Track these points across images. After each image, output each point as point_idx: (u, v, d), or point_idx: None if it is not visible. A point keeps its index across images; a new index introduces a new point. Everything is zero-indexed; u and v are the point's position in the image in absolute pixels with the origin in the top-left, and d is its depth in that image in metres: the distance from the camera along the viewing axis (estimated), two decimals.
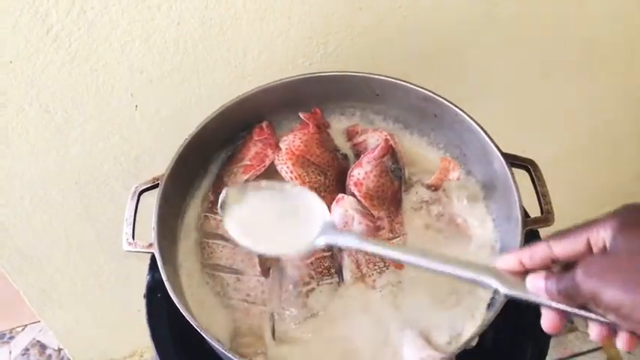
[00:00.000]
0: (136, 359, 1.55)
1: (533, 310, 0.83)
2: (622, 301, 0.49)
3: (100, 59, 0.88)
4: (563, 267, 0.57)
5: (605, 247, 0.53)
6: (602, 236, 0.53)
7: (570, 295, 0.53)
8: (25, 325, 1.74)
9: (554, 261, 0.57)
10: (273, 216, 0.71)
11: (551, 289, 0.54)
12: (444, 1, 0.98)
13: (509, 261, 0.58)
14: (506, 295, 0.57)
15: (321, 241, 0.66)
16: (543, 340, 0.84)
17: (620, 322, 0.52)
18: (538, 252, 0.57)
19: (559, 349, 1.68)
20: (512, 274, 0.58)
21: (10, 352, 1.70)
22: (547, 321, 0.56)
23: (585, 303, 0.52)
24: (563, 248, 0.56)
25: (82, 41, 0.86)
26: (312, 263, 0.77)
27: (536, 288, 0.55)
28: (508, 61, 1.12)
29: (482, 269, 0.59)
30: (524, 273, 0.57)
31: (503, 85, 1.16)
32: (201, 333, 0.67)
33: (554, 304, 0.55)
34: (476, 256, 0.80)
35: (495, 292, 0.58)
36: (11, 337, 1.73)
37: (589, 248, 0.54)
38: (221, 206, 0.71)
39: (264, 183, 0.74)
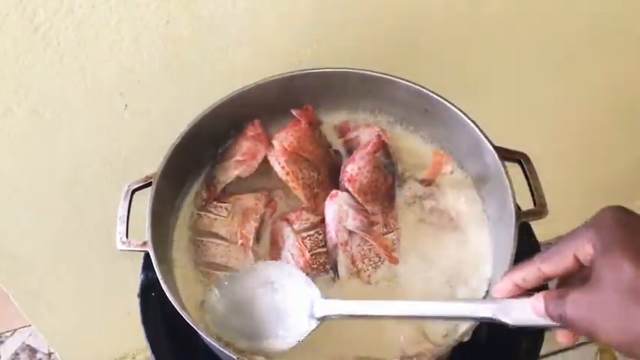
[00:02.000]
0: None
1: None
2: (618, 341, 0.50)
3: (88, 58, 0.88)
4: (560, 281, 0.58)
5: (592, 260, 0.52)
6: (587, 251, 0.53)
7: (568, 325, 0.53)
8: (15, 330, 1.72)
9: (548, 279, 0.57)
10: (259, 309, 0.70)
11: (553, 312, 0.54)
12: None
13: (505, 287, 0.59)
14: (513, 326, 0.58)
15: (314, 323, 0.66)
16: (537, 334, 0.84)
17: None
18: (529, 273, 0.57)
19: (551, 343, 1.69)
20: (512, 298, 0.58)
21: (0, 357, 1.68)
22: (560, 335, 0.57)
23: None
24: (552, 268, 0.56)
25: (70, 40, 0.85)
26: (308, 260, 0.77)
27: (539, 311, 0.56)
28: (499, 56, 1.12)
29: (483, 306, 0.60)
30: (523, 294, 0.58)
31: (494, 79, 1.16)
32: (198, 331, 0.67)
33: (559, 325, 0.55)
34: (470, 249, 0.81)
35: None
36: (0, 342, 1.71)
37: (578, 263, 0.54)
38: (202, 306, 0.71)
39: (232, 274, 0.74)
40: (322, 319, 0.67)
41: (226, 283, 0.73)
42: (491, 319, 0.59)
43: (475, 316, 0.60)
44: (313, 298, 0.68)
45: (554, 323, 0.55)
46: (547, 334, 0.87)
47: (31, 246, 1.12)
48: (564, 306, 0.53)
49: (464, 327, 0.72)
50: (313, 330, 0.67)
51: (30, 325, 1.37)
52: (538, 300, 0.56)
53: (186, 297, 0.76)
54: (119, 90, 0.93)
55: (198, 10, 0.87)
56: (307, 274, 0.77)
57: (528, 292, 0.59)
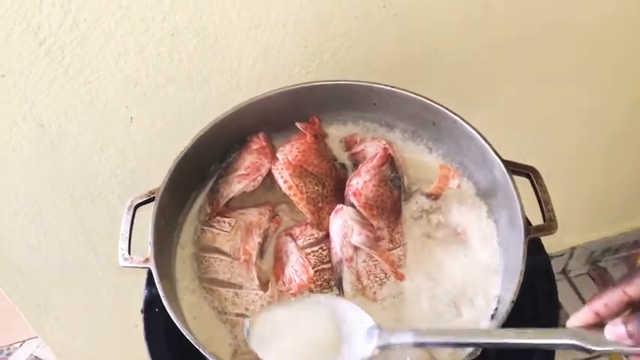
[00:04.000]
0: None
1: (537, 319, 0.83)
2: None
3: (93, 72, 0.88)
4: (633, 309, 0.56)
5: None
6: None
7: None
8: (23, 341, 1.72)
9: (630, 304, 0.56)
10: (309, 339, 0.68)
11: (634, 331, 0.53)
12: (439, 9, 0.97)
13: (583, 316, 0.57)
14: (592, 351, 0.56)
15: (375, 351, 0.64)
16: (549, 351, 0.83)
17: None
18: (613, 298, 0.56)
19: (564, 356, 1.66)
20: (587, 328, 0.57)
21: None
22: None
23: None
24: (638, 289, 0.55)
25: (75, 54, 0.85)
26: (312, 277, 0.76)
27: (618, 336, 0.54)
28: (506, 68, 1.11)
29: (560, 333, 0.58)
30: (598, 324, 0.57)
31: (501, 92, 1.15)
32: (200, 350, 0.66)
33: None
34: (477, 266, 0.79)
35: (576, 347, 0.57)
36: (9, 354, 1.71)
37: None
38: (247, 333, 0.68)
39: (285, 304, 0.72)
40: (381, 349, 0.65)
41: (274, 314, 0.70)
42: (574, 345, 0.57)
43: (557, 343, 0.59)
44: (369, 327, 0.66)
45: (633, 345, 0.54)
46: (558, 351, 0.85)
47: (37, 259, 1.12)
48: None
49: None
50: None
51: (38, 337, 1.37)
52: (615, 325, 0.54)
53: (189, 313, 0.75)
54: (125, 103, 0.93)
55: (203, 22, 0.86)
56: (311, 291, 0.76)
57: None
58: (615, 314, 0.56)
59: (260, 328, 0.68)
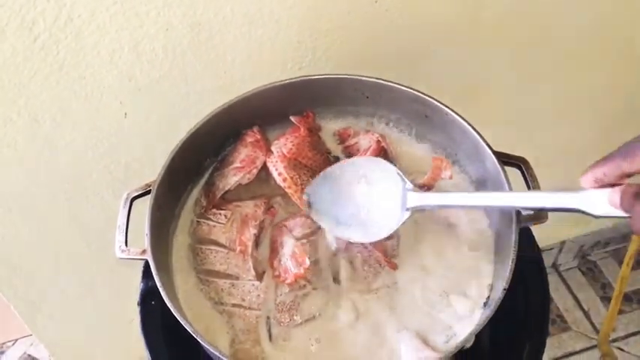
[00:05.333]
0: None
1: (528, 309, 0.84)
2: None
3: (88, 67, 0.88)
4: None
5: None
6: None
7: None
8: (16, 340, 1.72)
9: (628, 176, 0.58)
10: (356, 200, 0.76)
11: (626, 206, 0.57)
12: (430, 4, 0.99)
13: (588, 179, 0.60)
14: (595, 216, 0.61)
15: (407, 214, 0.72)
16: (540, 339, 0.84)
17: None
18: (610, 169, 0.58)
19: (554, 349, 1.69)
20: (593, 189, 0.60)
21: None
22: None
23: None
24: (631, 166, 0.57)
25: (69, 49, 0.85)
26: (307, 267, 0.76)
27: (614, 203, 0.58)
28: (498, 61, 1.12)
29: (568, 196, 0.62)
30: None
31: (494, 84, 1.17)
32: (198, 339, 0.66)
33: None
34: (470, 255, 0.81)
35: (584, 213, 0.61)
36: (2, 352, 1.70)
37: None
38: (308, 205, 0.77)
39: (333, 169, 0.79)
40: (413, 210, 0.72)
41: (327, 176, 0.79)
42: (576, 209, 0.61)
43: (561, 207, 0.63)
44: (405, 190, 0.73)
45: (626, 215, 0.58)
46: (549, 340, 0.87)
47: (31, 256, 1.12)
48: (636, 204, 0.55)
49: (465, 333, 0.72)
50: (406, 219, 0.72)
51: (31, 335, 1.37)
52: (615, 192, 0.58)
53: (186, 304, 0.76)
54: (119, 98, 0.94)
55: (197, 17, 0.87)
56: (307, 281, 0.77)
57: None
58: (614, 182, 0.59)
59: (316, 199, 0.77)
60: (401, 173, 0.74)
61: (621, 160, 0.58)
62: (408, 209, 0.72)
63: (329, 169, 0.79)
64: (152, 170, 0.79)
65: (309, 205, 0.78)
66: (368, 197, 0.76)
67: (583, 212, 0.61)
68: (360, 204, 0.76)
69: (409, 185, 0.73)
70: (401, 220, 0.73)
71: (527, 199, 0.66)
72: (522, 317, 0.84)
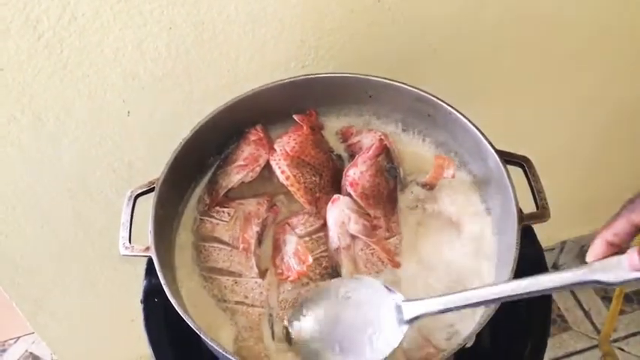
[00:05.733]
0: None
1: (529, 308, 0.85)
2: None
3: (91, 65, 0.88)
4: None
5: None
6: None
7: None
8: (18, 337, 1.72)
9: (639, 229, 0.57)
10: (345, 326, 0.70)
11: None
12: (433, 3, 0.99)
13: (598, 248, 0.58)
14: (614, 284, 0.57)
15: (405, 328, 0.66)
16: (540, 338, 0.84)
17: None
18: (619, 227, 0.57)
19: (554, 349, 1.69)
20: (606, 258, 0.58)
21: None
22: None
23: None
24: None
25: (73, 47, 0.85)
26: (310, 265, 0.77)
27: (634, 265, 0.55)
28: (501, 60, 1.12)
29: (583, 271, 0.59)
30: (617, 252, 0.58)
31: (496, 83, 1.17)
32: (202, 336, 0.66)
33: None
34: (472, 254, 0.81)
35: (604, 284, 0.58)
36: (3, 350, 1.71)
37: None
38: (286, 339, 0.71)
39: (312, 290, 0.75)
40: (412, 321, 0.66)
41: (306, 308, 0.73)
42: (596, 281, 0.58)
43: (578, 283, 0.59)
44: (398, 303, 0.67)
45: None
46: (550, 340, 0.87)
47: (34, 254, 1.13)
48: None
49: (466, 332, 0.72)
50: (405, 334, 0.66)
51: (33, 333, 1.37)
52: (633, 254, 0.56)
53: (189, 302, 0.76)
54: (122, 97, 0.94)
55: (200, 16, 0.87)
56: (309, 279, 0.77)
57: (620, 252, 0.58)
58: (626, 241, 0.57)
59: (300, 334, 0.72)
60: (388, 287, 0.69)
61: (629, 214, 0.56)
62: (406, 322, 0.66)
63: (308, 296, 0.74)
64: (155, 168, 0.80)
65: (290, 341, 0.72)
66: (359, 321, 0.70)
67: (602, 283, 0.58)
68: (351, 331, 0.70)
69: (400, 297, 0.68)
70: (401, 336, 0.67)
71: (541, 284, 0.61)
72: (524, 317, 0.85)
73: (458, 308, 0.65)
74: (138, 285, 0.86)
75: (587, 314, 1.78)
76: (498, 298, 0.64)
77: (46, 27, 0.82)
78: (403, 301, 0.67)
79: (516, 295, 0.62)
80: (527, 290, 0.62)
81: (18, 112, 0.90)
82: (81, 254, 1.17)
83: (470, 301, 0.64)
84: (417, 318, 0.66)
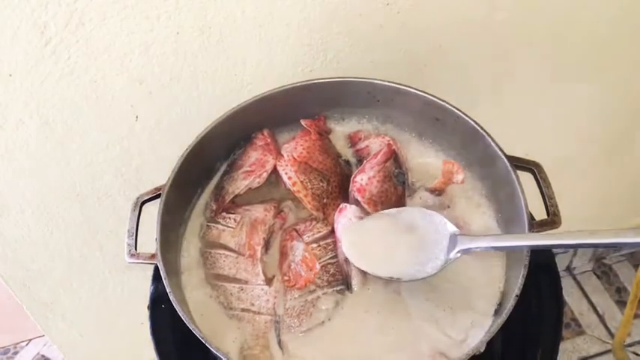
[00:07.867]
0: None
1: (541, 315, 0.83)
2: None
3: (99, 71, 0.88)
4: None
5: None
6: None
7: None
8: (30, 340, 1.73)
9: None
10: (400, 243, 0.75)
11: None
12: (442, 6, 0.98)
13: None
14: None
15: (456, 254, 0.71)
16: (552, 345, 0.83)
17: None
18: None
19: (568, 353, 1.67)
20: None
21: None
22: None
23: None
24: None
25: (81, 53, 0.85)
26: (317, 272, 0.76)
27: None
28: (510, 65, 1.11)
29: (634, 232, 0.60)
30: None
31: (505, 88, 1.15)
32: (207, 345, 0.66)
33: None
34: (481, 260, 0.80)
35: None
36: (15, 352, 1.72)
37: None
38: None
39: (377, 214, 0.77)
40: (462, 252, 0.71)
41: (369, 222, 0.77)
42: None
43: (631, 242, 0.61)
44: (452, 234, 0.72)
45: None
46: (563, 344, 0.85)
47: (43, 257, 1.13)
48: None
49: (477, 339, 0.71)
50: (453, 261, 0.72)
51: (45, 336, 1.38)
52: None
53: (195, 308, 0.76)
54: (130, 102, 0.94)
55: (207, 20, 0.87)
56: (317, 286, 0.76)
57: None
58: None
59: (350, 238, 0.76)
60: (446, 219, 0.74)
61: None
62: (458, 252, 0.71)
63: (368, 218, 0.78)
64: (163, 173, 0.79)
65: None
66: (415, 246, 0.74)
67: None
68: (407, 252, 0.74)
69: (456, 230, 0.73)
70: (445, 263, 0.72)
71: (587, 238, 0.63)
72: (535, 323, 0.83)
73: (505, 249, 0.73)
74: (147, 288, 0.86)
75: (601, 318, 1.76)
76: (543, 245, 0.67)
77: (53, 33, 0.82)
78: (457, 234, 0.72)
79: (566, 245, 0.65)
80: (577, 242, 0.64)
81: (26, 117, 0.90)
82: (90, 258, 1.17)
83: (515, 243, 0.70)
84: (468, 250, 0.71)
